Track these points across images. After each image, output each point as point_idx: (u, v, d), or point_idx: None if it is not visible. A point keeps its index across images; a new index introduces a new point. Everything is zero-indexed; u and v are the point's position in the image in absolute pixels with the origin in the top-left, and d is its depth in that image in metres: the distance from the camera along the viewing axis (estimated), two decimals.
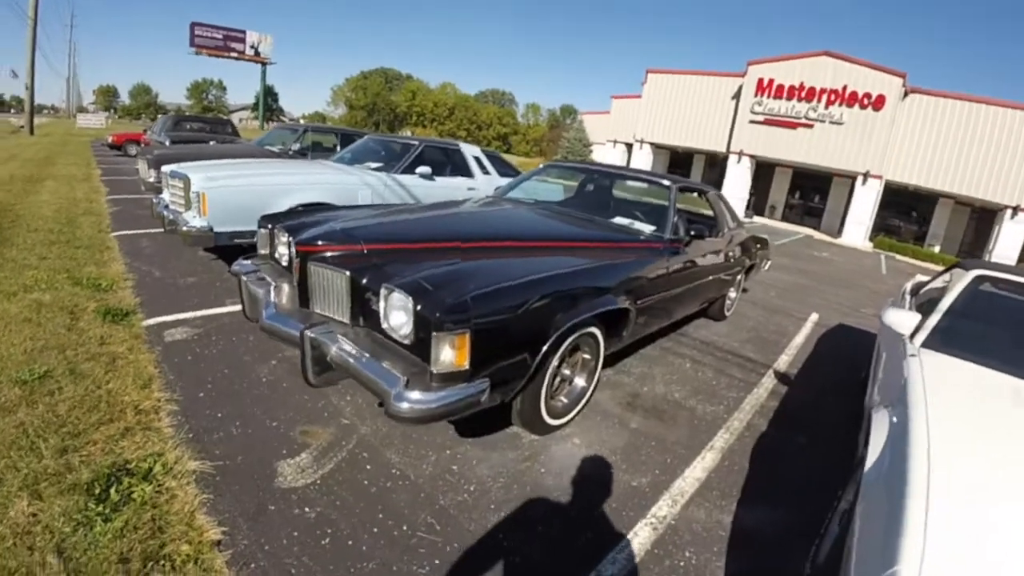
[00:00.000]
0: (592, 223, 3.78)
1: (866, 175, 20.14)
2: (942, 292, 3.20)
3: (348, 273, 2.47)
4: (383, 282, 2.29)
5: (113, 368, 3.05)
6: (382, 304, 2.30)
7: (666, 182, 4.09)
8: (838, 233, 21.31)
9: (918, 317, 2.72)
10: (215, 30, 37.59)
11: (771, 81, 21.66)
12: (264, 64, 41.40)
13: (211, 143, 10.96)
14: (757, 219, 23.59)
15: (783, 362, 4.66)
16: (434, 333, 2.07)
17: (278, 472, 2.36)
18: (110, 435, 2.43)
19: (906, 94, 19.51)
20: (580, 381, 3.09)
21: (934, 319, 2.70)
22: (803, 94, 20.95)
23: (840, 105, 20.26)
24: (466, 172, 6.96)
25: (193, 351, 3.46)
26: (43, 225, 6.40)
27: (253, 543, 1.96)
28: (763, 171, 24.21)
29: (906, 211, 22.08)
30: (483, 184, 6.93)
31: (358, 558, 1.97)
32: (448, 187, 6.51)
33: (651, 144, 27.25)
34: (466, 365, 2.14)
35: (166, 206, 5.37)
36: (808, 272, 10.59)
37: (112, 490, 2.08)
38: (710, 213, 5.06)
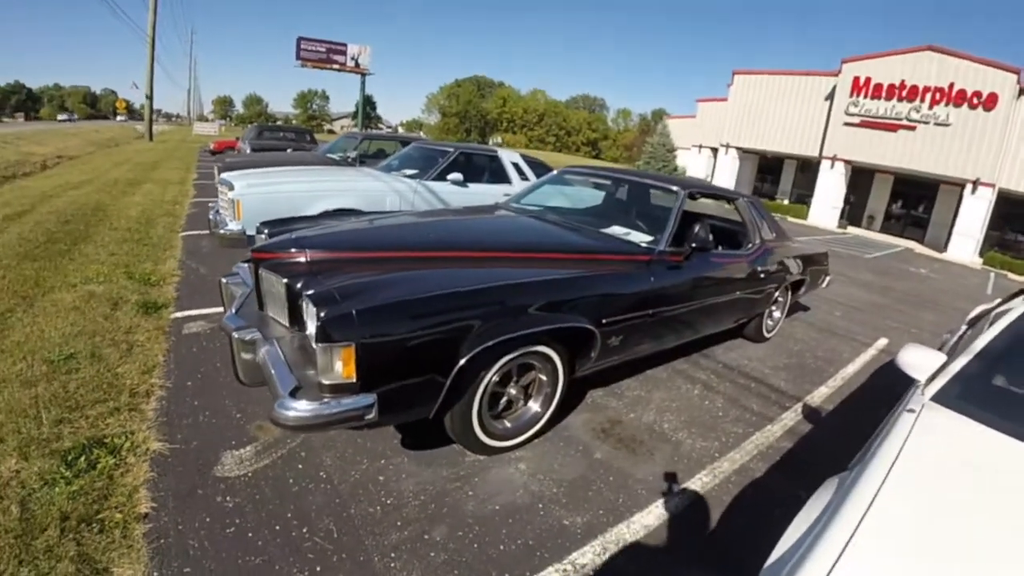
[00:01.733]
0: (578, 233, 3.44)
1: (976, 182, 17.68)
2: (990, 323, 2.56)
3: (285, 280, 2.41)
4: (303, 290, 2.22)
5: (128, 354, 3.36)
6: (304, 312, 2.25)
7: (674, 187, 3.65)
8: (944, 247, 18.86)
9: (940, 359, 2.15)
10: (319, 44, 40.14)
11: (868, 80, 19.64)
12: (363, 75, 43.68)
13: (288, 151, 11.62)
14: (852, 230, 21.48)
15: (819, 396, 4.03)
16: (318, 345, 1.97)
17: (220, 461, 2.48)
18: (101, 412, 2.68)
19: (1022, 91, 16.91)
20: (534, 406, 2.79)
21: (959, 363, 2.07)
22: (904, 93, 18.80)
23: (946, 105, 17.96)
24: (503, 179, 6.79)
25: (201, 344, 3.71)
26: (124, 224, 7.03)
27: (171, 520, 2.10)
28: (860, 178, 22.00)
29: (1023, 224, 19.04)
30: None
31: (249, 551, 2.00)
32: (483, 194, 6.37)
33: (737, 149, 25.66)
34: (353, 378, 1.99)
35: (217, 210, 5.70)
36: (892, 290, 9.34)
37: (82, 459, 2.31)
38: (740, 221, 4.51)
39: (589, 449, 2.88)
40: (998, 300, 3.71)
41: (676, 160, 30.56)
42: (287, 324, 2.49)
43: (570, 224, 3.59)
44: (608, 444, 2.96)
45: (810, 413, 3.70)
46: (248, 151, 12.47)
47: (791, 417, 3.60)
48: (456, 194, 6.14)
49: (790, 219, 21.40)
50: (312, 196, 5.38)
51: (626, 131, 77.16)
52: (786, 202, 24.38)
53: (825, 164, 21.53)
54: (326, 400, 2.00)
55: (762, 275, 4.22)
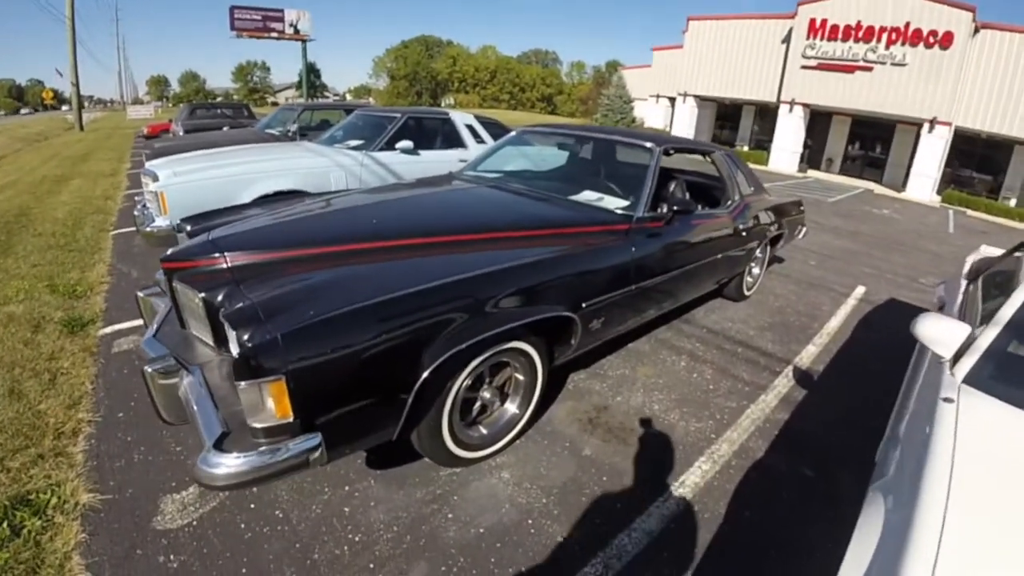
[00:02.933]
0: (545, 203, 3.10)
1: (933, 122, 17.86)
2: (1009, 282, 2.34)
3: (202, 295, 1.99)
4: (222, 308, 1.85)
5: (52, 386, 2.93)
6: (227, 334, 1.82)
7: (648, 144, 3.32)
8: (902, 187, 19.20)
9: (965, 331, 1.86)
10: (253, 11, 37.64)
11: (824, 21, 19.41)
12: (304, 41, 41.38)
13: (224, 129, 10.73)
14: (812, 173, 21.67)
15: (808, 356, 3.86)
16: (238, 383, 1.59)
17: (160, 509, 2.13)
18: (24, 463, 2.30)
19: (977, 30, 16.99)
20: (511, 407, 2.50)
21: (989, 336, 1.77)
22: (861, 34, 18.67)
23: (903, 44, 17.91)
24: (458, 143, 6.32)
25: (132, 364, 3.22)
26: (49, 228, 6.33)
27: None
28: (818, 121, 22.07)
29: (978, 161, 19.42)
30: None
31: None
32: (436, 161, 5.90)
33: (695, 97, 25.37)
34: (291, 417, 1.63)
35: (144, 205, 5.07)
36: (861, 234, 9.35)
37: (3, 524, 1.97)
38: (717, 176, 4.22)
39: (577, 445, 2.62)
40: (996, 251, 3.55)
41: (633, 112, 30.08)
42: (213, 345, 2.09)
43: (535, 193, 3.24)
44: (596, 437, 2.70)
45: (802, 377, 3.52)
46: (181, 133, 11.45)
47: (783, 384, 3.41)
48: (407, 164, 5.66)
49: (751, 165, 21.39)
50: (246, 180, 4.80)
51: (580, 84, 75.64)
52: (746, 148, 24.38)
53: (784, 109, 21.46)
54: (261, 449, 1.64)
55: (743, 232, 3.98)
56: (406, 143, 5.66)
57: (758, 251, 4.55)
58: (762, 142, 23.90)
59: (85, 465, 2.34)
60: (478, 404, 2.38)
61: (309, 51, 41.90)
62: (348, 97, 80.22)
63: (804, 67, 20.40)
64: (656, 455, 2.60)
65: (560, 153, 4.12)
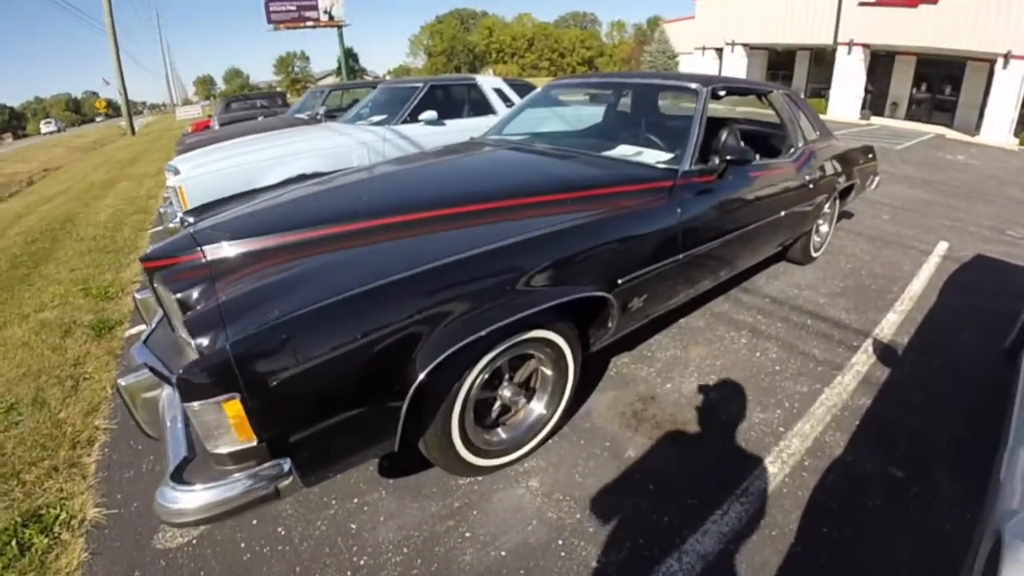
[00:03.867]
0: (573, 161, 2.66)
1: (1007, 56, 15.73)
2: None
3: (176, 296, 1.72)
4: (187, 310, 1.59)
5: (74, 392, 2.85)
6: None
7: (693, 85, 2.81)
8: (976, 130, 17.20)
9: None
10: (288, 3, 37.62)
11: None
12: (340, 27, 41.30)
13: (260, 119, 10.62)
14: (875, 120, 19.85)
15: (889, 326, 3.30)
16: (185, 405, 1.30)
17: (162, 526, 1.93)
18: (39, 475, 2.21)
19: None
20: (537, 406, 2.13)
21: None
22: None
23: None
24: (487, 109, 5.89)
25: None
26: (91, 233, 6.41)
27: None
28: (880, 63, 20.05)
29: None
30: None
31: None
32: (464, 130, 5.47)
33: (744, 46, 23.61)
34: (254, 441, 1.34)
35: (169, 201, 4.99)
36: (936, 183, 8.32)
37: (12, 543, 1.87)
38: (777, 122, 3.63)
39: (619, 445, 2.24)
40: None
41: (679, 67, 28.41)
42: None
43: (562, 152, 2.81)
44: (642, 434, 2.31)
45: (884, 352, 2.99)
46: (216, 127, 11.43)
47: (863, 361, 2.89)
48: (433, 135, 5.29)
49: None
50: (266, 166, 4.57)
51: (621, 44, 72.52)
52: (802, 97, 22.60)
53: (841, 51, 19.60)
54: (220, 481, 1.36)
55: (810, 185, 3.41)
56: (430, 113, 5.33)
57: (827, 206, 3.95)
58: (819, 90, 22.02)
59: (96, 476, 2.22)
60: (498, 404, 2.03)
61: (345, 36, 41.77)
62: (388, 77, 79.92)
63: (862, 3, 18.46)
64: (712, 456, 2.19)
65: (593, 107, 3.64)
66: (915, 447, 2.26)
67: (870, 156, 4.65)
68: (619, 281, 2.11)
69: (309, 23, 39.84)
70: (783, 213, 3.21)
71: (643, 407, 2.49)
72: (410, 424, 1.64)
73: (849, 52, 19.41)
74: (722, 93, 2.91)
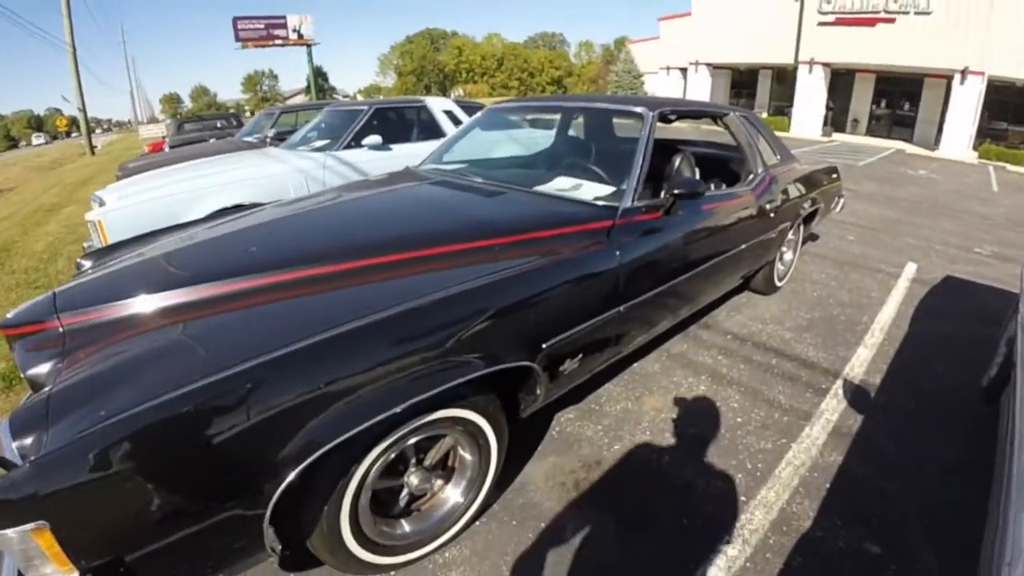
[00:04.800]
0: (506, 198, 2.36)
1: (964, 72, 16.26)
2: None
3: (28, 372, 1.45)
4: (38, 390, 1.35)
5: None
6: None
7: (639, 109, 2.54)
8: (935, 145, 17.68)
9: None
10: (256, 20, 37.21)
11: None
12: (309, 46, 41.03)
13: (212, 140, 10.17)
14: (837, 136, 20.31)
15: (860, 363, 3.05)
16: None
17: None
18: None
19: None
20: (453, 493, 1.78)
21: None
22: None
23: None
24: (436, 133, 5.57)
25: None
26: (23, 264, 5.84)
27: None
28: (841, 80, 20.59)
29: (1013, 112, 17.49)
30: None
31: None
32: (410, 155, 5.12)
33: (708, 65, 24.02)
34: (75, 572, 1.07)
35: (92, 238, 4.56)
36: (899, 200, 8.32)
37: None
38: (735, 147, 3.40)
39: (556, 527, 1.89)
40: None
41: (644, 86, 28.75)
42: None
43: (494, 186, 2.50)
44: (583, 509, 1.97)
45: (855, 395, 2.73)
46: (166, 149, 10.93)
47: (832, 407, 2.63)
48: (378, 161, 4.97)
49: None
50: (194, 197, 4.20)
51: (590, 64, 73.69)
52: (765, 115, 22.99)
53: (803, 70, 20.05)
54: None
55: (771, 213, 3.17)
56: (374, 138, 5.02)
57: (791, 232, 3.73)
58: (782, 107, 22.49)
59: None
60: (405, 492, 1.68)
61: (315, 55, 41.52)
62: (359, 97, 79.52)
63: (821, 23, 18.98)
64: (664, 537, 1.87)
65: (536, 133, 3.36)
66: (892, 514, 1.98)
67: (834, 177, 4.48)
68: (543, 345, 1.79)
69: (278, 41, 39.44)
70: (743, 246, 2.95)
71: (586, 475, 2.17)
72: (287, 526, 1.31)
73: (810, 71, 19.87)
74: (672, 118, 2.65)
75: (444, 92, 69.45)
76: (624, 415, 2.55)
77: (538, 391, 1.82)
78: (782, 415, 2.55)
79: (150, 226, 3.61)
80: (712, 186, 3.00)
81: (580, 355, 1.96)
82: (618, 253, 2.02)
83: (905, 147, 18.15)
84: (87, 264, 2.24)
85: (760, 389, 2.77)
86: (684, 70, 25.77)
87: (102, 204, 4.16)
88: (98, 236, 3.93)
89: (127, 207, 4.06)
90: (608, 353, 2.20)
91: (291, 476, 1.19)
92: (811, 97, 20.21)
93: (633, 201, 2.18)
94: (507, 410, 1.81)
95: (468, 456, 1.76)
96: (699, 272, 2.56)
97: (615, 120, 2.79)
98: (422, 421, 1.51)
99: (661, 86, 28.22)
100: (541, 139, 4.10)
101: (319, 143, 5.27)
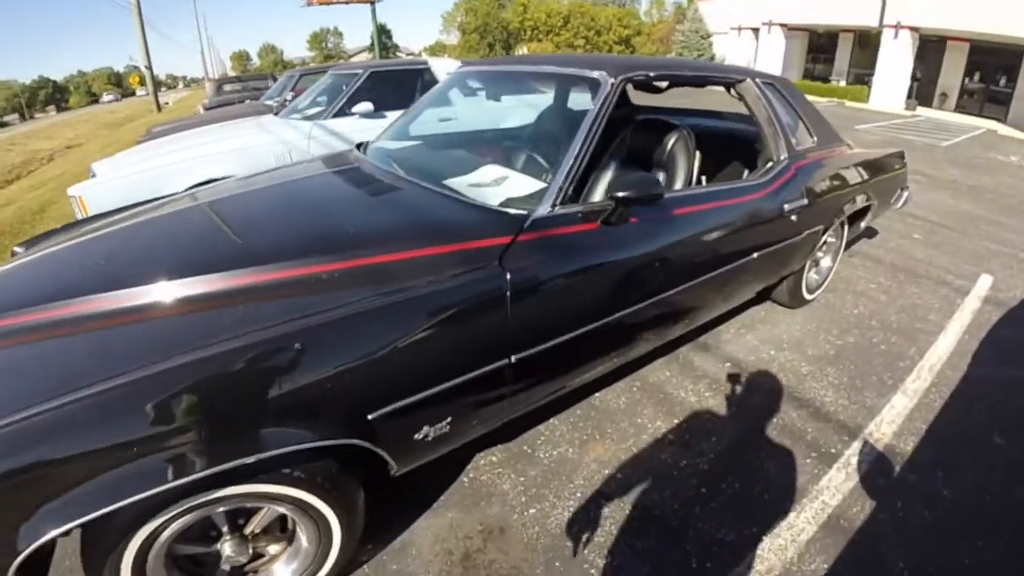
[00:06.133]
0: (385, 201, 1.80)
1: None
2: None
3: None
4: None
5: None
6: None
7: (594, 73, 1.84)
8: None
9: None
10: None
11: None
12: (372, 3, 40.45)
13: (246, 102, 9.85)
14: (922, 111, 17.90)
15: (891, 418, 2.28)
16: None
17: None
18: None
19: None
20: (283, 571, 1.33)
21: None
22: None
23: None
24: None
25: None
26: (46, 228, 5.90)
27: None
28: (929, 49, 17.96)
29: None
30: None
31: None
32: None
33: (782, 26, 21.62)
34: None
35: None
36: (984, 190, 6.97)
37: None
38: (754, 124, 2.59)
39: None
40: None
41: (712, 48, 26.43)
42: None
43: (395, 180, 1.90)
44: None
45: (872, 469, 2.00)
46: (201, 111, 10.70)
47: (835, 485, 1.92)
48: (369, 131, 4.45)
49: (848, 103, 18.00)
50: (177, 170, 3.93)
51: (660, 23, 68.90)
52: (843, 83, 20.61)
53: (887, 34, 17.59)
54: None
55: (793, 215, 2.39)
56: (364, 106, 4.51)
57: (828, 235, 2.92)
58: (862, 76, 19.99)
59: None
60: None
61: (379, 12, 40.83)
62: (424, 55, 78.28)
63: None
64: None
65: (497, 103, 2.68)
66: None
67: (896, 166, 3.54)
68: (369, 417, 1.24)
69: None
70: (744, 260, 2.21)
71: (483, 545, 1.63)
72: None
73: (896, 36, 17.43)
74: (653, 84, 1.92)
75: (508, 50, 67.15)
76: (557, 465, 1.96)
77: (390, 463, 1.29)
78: (763, 490, 1.89)
79: (135, 197, 3.33)
80: (703, 180, 2.26)
81: (447, 420, 1.38)
82: (509, 281, 1.39)
83: (997, 127, 15.69)
84: (21, 250, 1.92)
85: (743, 450, 2.08)
86: (756, 31, 23.40)
87: (94, 175, 4.03)
88: (81, 213, 3.72)
89: (108, 182, 3.85)
90: (496, 414, 1.61)
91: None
92: (895, 66, 17.78)
93: (554, 207, 1.52)
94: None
95: (304, 529, 1.31)
96: (662, 300, 1.87)
97: (572, 90, 2.07)
98: (201, 500, 1.10)
99: (732, 47, 25.85)
100: (487, 110, 3.47)
101: (312, 111, 4.88)
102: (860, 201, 3.03)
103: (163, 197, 2.37)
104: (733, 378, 2.51)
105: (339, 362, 1.15)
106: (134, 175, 3.92)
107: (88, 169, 4.37)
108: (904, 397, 2.42)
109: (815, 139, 2.73)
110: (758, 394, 2.41)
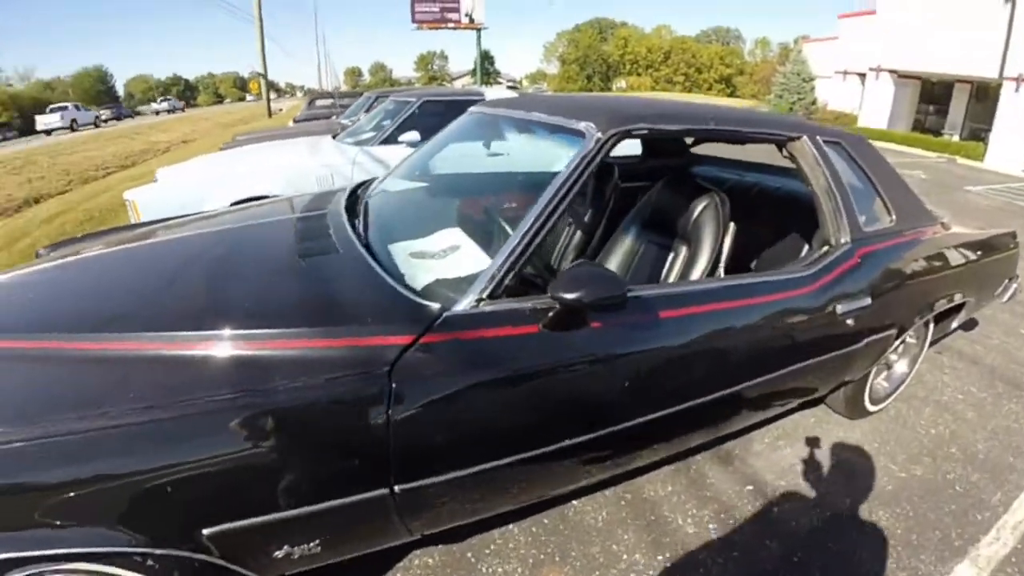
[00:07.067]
0: (308, 266, 1.50)
1: None
2: None
3: None
4: None
5: None
6: None
7: (580, 125, 1.44)
8: None
9: None
10: (431, 3, 38.96)
11: None
12: (478, 29, 42.02)
13: (333, 118, 10.26)
14: None
15: None
16: None
17: None
18: None
19: None
20: None
21: None
22: None
23: None
24: None
25: None
26: (122, 221, 6.31)
27: None
28: None
29: None
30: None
31: None
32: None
33: (891, 72, 19.70)
34: None
35: None
36: None
37: None
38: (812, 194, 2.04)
39: None
40: None
41: (814, 92, 24.62)
42: None
43: (342, 238, 1.58)
44: None
45: None
46: (291, 125, 11.26)
47: None
48: None
49: (961, 160, 15.96)
50: (222, 184, 3.95)
51: (764, 63, 65.79)
52: (956, 138, 18.35)
53: (1008, 87, 15.38)
54: None
55: (849, 319, 1.82)
56: (411, 135, 4.42)
57: (903, 339, 2.28)
58: (978, 131, 17.68)
59: None
60: None
61: (484, 39, 42.31)
62: (525, 83, 79.69)
63: None
64: None
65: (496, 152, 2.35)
66: None
67: (1005, 250, 2.79)
68: (205, 532, 0.95)
69: (450, 24, 40.77)
70: (761, 379, 1.67)
71: None
72: None
73: (1017, 89, 15.23)
74: (687, 141, 1.49)
75: (607, 83, 66.88)
76: None
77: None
78: None
79: (183, 208, 3.35)
80: (722, 270, 1.74)
81: (315, 542, 1.08)
82: (393, 395, 1.04)
83: None
84: (45, 252, 1.95)
85: None
86: (863, 76, 21.53)
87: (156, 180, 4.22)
88: (134, 217, 3.78)
89: (161, 190, 3.94)
90: (385, 538, 1.26)
91: None
92: (1017, 122, 15.53)
93: (480, 301, 1.14)
94: None
95: None
96: (628, 428, 1.40)
97: (559, 140, 1.65)
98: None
99: (835, 92, 24.01)
100: (486, 158, 3.22)
101: (366, 135, 4.86)
102: (950, 298, 2.36)
103: (187, 215, 2.26)
104: (750, 508, 1.96)
105: (144, 469, 0.90)
106: (181, 187, 4.02)
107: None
108: (972, 568, 1.76)
109: (893, 217, 2.13)
110: (774, 540, 1.84)
